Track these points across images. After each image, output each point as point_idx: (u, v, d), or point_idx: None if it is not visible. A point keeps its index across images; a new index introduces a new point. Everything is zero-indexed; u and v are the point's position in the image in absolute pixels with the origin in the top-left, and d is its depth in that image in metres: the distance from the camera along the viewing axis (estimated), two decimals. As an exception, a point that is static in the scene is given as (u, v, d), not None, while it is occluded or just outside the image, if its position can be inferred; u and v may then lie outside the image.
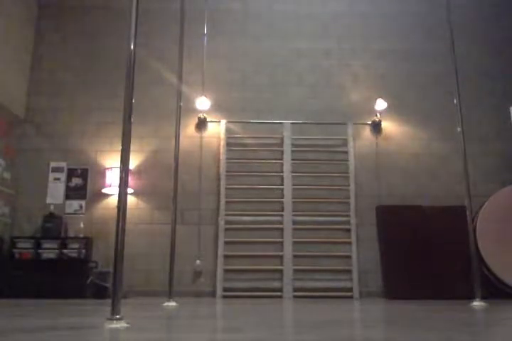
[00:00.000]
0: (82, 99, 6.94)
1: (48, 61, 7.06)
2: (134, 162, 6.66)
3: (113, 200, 6.49)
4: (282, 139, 6.85)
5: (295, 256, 6.42)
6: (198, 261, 6.38)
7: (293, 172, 6.71)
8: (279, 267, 6.38)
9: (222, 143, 6.77)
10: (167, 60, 7.05)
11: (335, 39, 7.35)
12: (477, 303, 4.29)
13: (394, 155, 6.91)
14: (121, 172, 2.44)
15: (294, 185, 6.66)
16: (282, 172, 6.70)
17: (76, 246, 5.99)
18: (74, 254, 5.95)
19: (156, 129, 6.85)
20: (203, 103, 6.79)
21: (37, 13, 7.20)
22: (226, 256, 6.40)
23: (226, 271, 6.35)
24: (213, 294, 6.27)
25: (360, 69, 7.22)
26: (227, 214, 6.53)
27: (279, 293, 6.27)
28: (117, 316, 2.20)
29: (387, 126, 6.99)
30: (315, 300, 5.68)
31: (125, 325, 2.16)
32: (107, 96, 6.94)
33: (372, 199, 6.69)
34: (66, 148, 6.73)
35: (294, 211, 6.56)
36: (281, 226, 6.51)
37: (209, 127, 6.89)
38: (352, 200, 6.62)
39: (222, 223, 6.47)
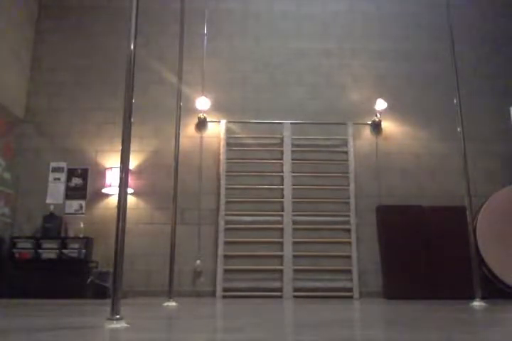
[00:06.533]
0: (82, 99, 6.94)
1: (47, 61, 7.06)
2: (134, 162, 6.66)
3: (113, 200, 6.49)
4: (282, 139, 6.85)
5: (295, 256, 6.42)
6: (198, 261, 6.37)
7: (293, 172, 6.70)
8: (279, 267, 6.38)
9: (222, 143, 6.77)
10: (167, 59, 7.05)
11: (335, 39, 7.35)
12: (477, 303, 4.30)
13: (394, 155, 6.90)
14: (121, 172, 2.44)
15: (294, 185, 6.66)
16: (282, 172, 6.70)
17: (76, 246, 5.99)
18: (74, 254, 5.94)
19: (156, 129, 6.85)
20: (203, 103, 6.78)
21: (37, 13, 7.20)
22: (226, 256, 6.39)
23: (226, 271, 6.34)
24: (213, 294, 6.27)
25: (360, 69, 7.22)
26: (227, 214, 6.52)
27: (279, 293, 6.26)
28: (117, 316, 2.20)
29: (387, 126, 6.99)
30: (315, 300, 5.68)
31: (125, 325, 2.16)
32: (107, 96, 6.94)
33: (372, 199, 6.68)
34: (66, 148, 6.73)
35: (294, 211, 6.56)
36: (281, 226, 6.51)
37: (209, 127, 6.89)
38: (352, 200, 6.61)
39: (222, 223, 6.47)
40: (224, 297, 6.16)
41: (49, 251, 5.92)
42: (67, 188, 6.57)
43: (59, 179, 6.60)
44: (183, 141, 6.61)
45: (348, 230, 6.53)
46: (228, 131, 6.84)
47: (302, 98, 7.07)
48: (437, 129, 7.01)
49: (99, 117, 6.88)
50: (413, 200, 6.68)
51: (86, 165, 6.67)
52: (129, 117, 2.51)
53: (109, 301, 2.41)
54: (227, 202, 6.57)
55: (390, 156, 6.89)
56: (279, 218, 6.55)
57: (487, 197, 6.39)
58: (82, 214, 6.49)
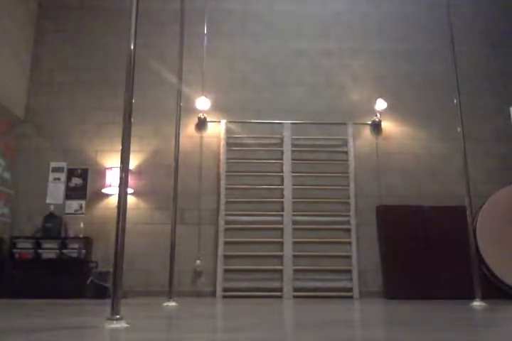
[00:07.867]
0: (82, 99, 6.94)
1: (47, 61, 7.06)
2: (134, 162, 6.66)
3: (113, 200, 6.49)
4: (282, 139, 6.85)
5: (295, 256, 6.42)
6: (198, 261, 6.37)
7: (293, 172, 6.70)
8: (279, 267, 6.38)
9: (222, 143, 6.77)
10: (167, 59, 7.05)
11: (335, 39, 7.34)
12: (477, 303, 4.30)
13: (394, 155, 6.90)
14: (121, 172, 2.44)
15: (294, 185, 6.66)
16: (282, 172, 6.70)
17: (76, 246, 5.99)
18: (74, 254, 5.94)
19: (156, 129, 6.85)
20: (203, 103, 6.78)
21: (37, 13, 7.20)
22: (226, 256, 6.39)
23: (226, 271, 6.34)
24: (213, 294, 6.27)
25: (360, 69, 7.22)
26: (227, 214, 6.52)
27: (279, 293, 6.26)
28: (117, 316, 2.20)
29: (387, 126, 6.99)
30: (315, 300, 5.68)
31: (125, 325, 2.16)
32: (107, 96, 6.94)
33: (372, 199, 6.68)
34: (66, 148, 6.73)
35: (294, 211, 6.56)
36: (281, 226, 6.51)
37: (209, 127, 6.89)
38: (352, 200, 6.61)
39: (222, 223, 6.47)
40: (224, 297, 6.16)
41: (49, 251, 5.92)
42: (67, 188, 6.57)
43: (59, 179, 6.60)
44: (183, 141, 6.61)
45: (348, 230, 6.53)
46: (228, 131, 6.83)
47: (302, 98, 7.07)
48: (437, 129, 7.01)
49: (99, 117, 6.88)
50: (413, 200, 6.67)
51: (86, 165, 6.67)
52: (129, 117, 2.51)
53: (109, 301, 2.41)
54: (227, 202, 6.57)
55: (390, 156, 6.89)
56: (279, 218, 6.55)
57: (487, 197, 6.40)
58: (82, 214, 6.48)
